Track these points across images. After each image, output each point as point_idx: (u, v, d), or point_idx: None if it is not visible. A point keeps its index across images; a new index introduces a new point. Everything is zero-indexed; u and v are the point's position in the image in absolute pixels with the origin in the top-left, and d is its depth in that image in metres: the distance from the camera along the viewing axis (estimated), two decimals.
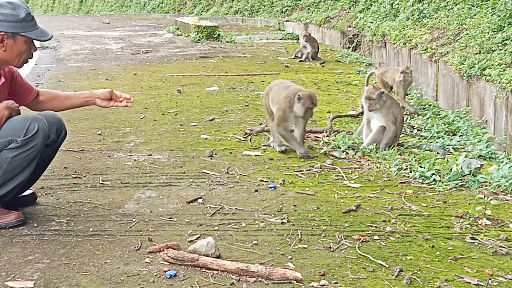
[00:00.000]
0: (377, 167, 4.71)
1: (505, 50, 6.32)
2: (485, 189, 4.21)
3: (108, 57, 11.66)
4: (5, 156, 3.39)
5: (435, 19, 8.81)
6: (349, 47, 11.77)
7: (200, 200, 3.96)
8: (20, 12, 3.35)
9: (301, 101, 4.84)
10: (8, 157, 3.39)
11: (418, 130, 6.02)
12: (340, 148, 5.10)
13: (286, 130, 4.99)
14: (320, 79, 8.78)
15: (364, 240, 3.33)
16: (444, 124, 6.06)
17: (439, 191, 4.20)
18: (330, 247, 3.24)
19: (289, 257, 3.12)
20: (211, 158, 4.92)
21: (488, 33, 6.90)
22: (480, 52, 6.70)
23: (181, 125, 6.07)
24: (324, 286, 2.81)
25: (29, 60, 3.53)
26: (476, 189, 4.22)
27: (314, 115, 6.41)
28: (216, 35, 14.12)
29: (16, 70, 3.69)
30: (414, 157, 4.85)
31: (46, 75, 9.43)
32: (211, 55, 11.49)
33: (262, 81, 8.55)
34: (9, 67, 3.61)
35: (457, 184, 4.29)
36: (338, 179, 4.45)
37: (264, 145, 5.30)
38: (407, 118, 6.35)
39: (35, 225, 3.53)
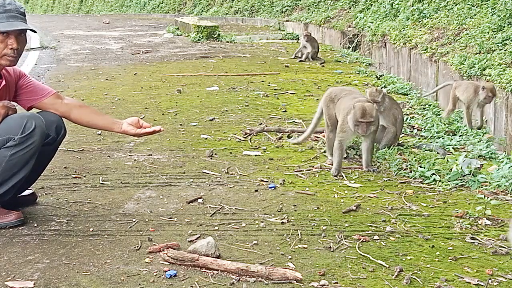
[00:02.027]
0: (377, 167, 4.71)
1: (505, 50, 6.33)
2: (485, 189, 4.21)
3: (108, 57, 11.66)
4: (3, 155, 3.38)
5: (435, 19, 8.82)
6: (349, 47, 11.77)
7: (200, 200, 3.96)
8: None
9: (351, 113, 4.42)
10: (6, 156, 3.38)
11: (418, 130, 6.02)
12: None
13: (341, 143, 4.55)
14: (320, 79, 8.78)
15: (364, 240, 3.33)
16: (444, 124, 6.06)
17: (439, 191, 4.20)
18: (330, 247, 3.24)
19: (289, 257, 3.12)
20: (211, 158, 4.92)
21: (488, 33, 6.90)
22: (480, 52, 6.70)
23: (181, 125, 6.07)
24: (324, 286, 2.81)
25: (14, 57, 3.36)
26: (476, 189, 4.22)
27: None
28: (216, 35, 14.12)
29: (24, 75, 3.65)
30: (414, 157, 4.85)
31: (46, 75, 9.44)
32: (211, 55, 11.49)
33: (262, 81, 8.55)
34: (14, 70, 3.58)
35: (457, 184, 4.29)
36: (338, 179, 4.45)
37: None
38: (407, 118, 6.35)
39: (35, 225, 3.53)
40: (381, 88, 6.17)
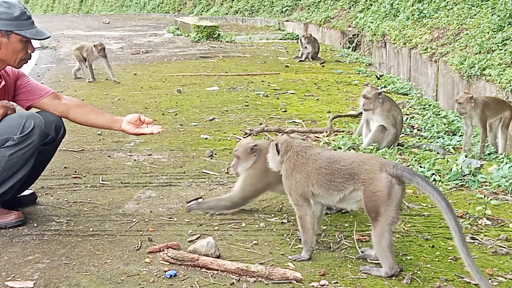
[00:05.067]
0: None
1: (505, 50, 6.33)
2: (485, 189, 4.21)
3: (108, 57, 11.64)
4: (2, 154, 3.38)
5: (435, 19, 8.82)
6: (349, 47, 11.78)
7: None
8: (14, 10, 3.35)
9: None
10: (5, 155, 3.38)
11: (418, 130, 6.02)
12: (341, 148, 5.08)
13: None
14: (320, 79, 8.78)
15: (364, 240, 3.33)
16: (444, 124, 6.06)
17: None
18: (330, 247, 3.24)
19: (289, 257, 3.11)
20: (211, 158, 4.92)
21: (488, 33, 6.90)
22: (480, 52, 6.70)
23: (181, 125, 6.07)
24: (324, 286, 2.81)
25: (28, 60, 3.52)
26: (476, 189, 4.21)
27: (314, 115, 6.46)
28: (216, 35, 14.13)
29: (23, 75, 3.67)
30: (414, 157, 4.85)
31: (46, 75, 9.44)
32: (211, 55, 11.49)
33: (262, 81, 8.55)
34: (13, 71, 3.60)
35: (457, 184, 4.29)
36: None
37: None
38: (407, 118, 6.35)
39: (35, 225, 3.53)
40: (380, 88, 6.17)
